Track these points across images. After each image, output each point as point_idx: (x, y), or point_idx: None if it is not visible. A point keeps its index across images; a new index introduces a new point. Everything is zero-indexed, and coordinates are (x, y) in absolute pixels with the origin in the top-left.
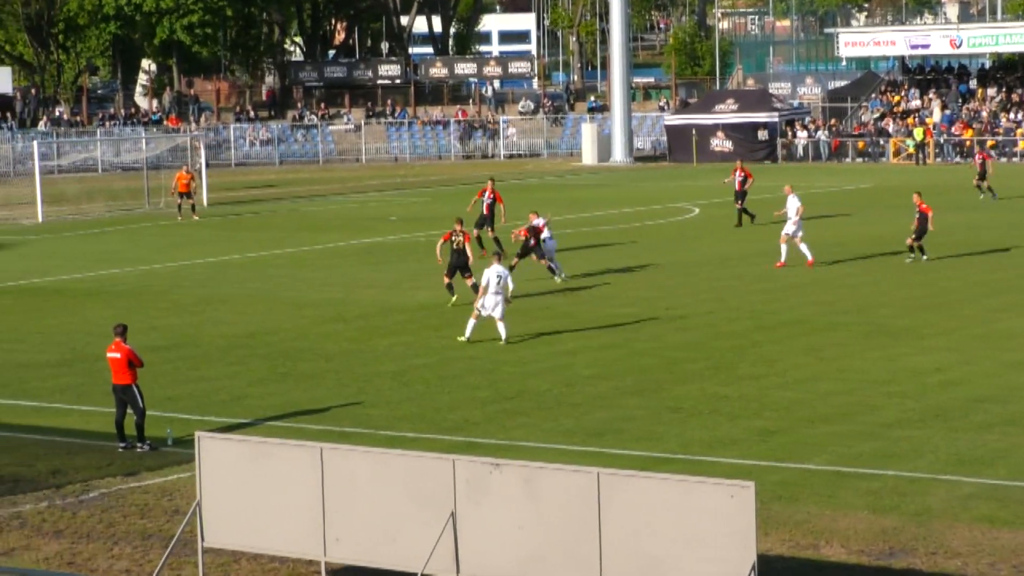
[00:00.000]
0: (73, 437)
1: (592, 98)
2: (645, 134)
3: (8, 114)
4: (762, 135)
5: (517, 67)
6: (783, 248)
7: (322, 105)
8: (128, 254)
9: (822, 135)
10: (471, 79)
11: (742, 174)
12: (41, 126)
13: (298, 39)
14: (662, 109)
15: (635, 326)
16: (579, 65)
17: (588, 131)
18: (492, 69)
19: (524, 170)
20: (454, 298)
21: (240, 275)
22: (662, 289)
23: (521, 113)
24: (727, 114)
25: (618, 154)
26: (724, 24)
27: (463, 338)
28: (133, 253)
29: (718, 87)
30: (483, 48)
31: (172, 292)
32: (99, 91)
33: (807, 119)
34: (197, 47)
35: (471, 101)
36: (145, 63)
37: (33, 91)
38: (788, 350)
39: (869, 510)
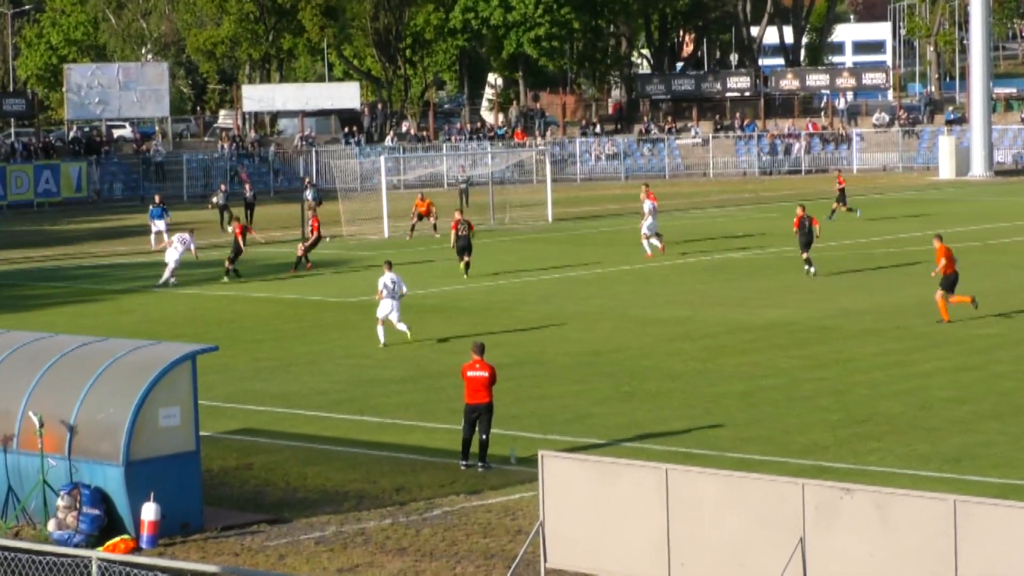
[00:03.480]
0: (417, 454)
1: (950, 110)
2: (1006, 147)
3: (355, 129)
4: None
5: (871, 78)
6: (645, 244)
7: (669, 118)
8: (476, 270)
9: None
10: (823, 91)
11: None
12: (388, 141)
13: (645, 51)
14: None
15: (994, 347)
16: (936, 76)
17: (945, 144)
18: (845, 80)
19: (877, 184)
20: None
21: (585, 291)
22: None
23: (875, 126)
24: None
25: (977, 168)
26: None
27: (381, 344)
28: (477, 269)
29: None
30: (836, 59)
31: (516, 308)
32: (445, 105)
33: None
34: (544, 60)
35: (823, 113)
36: (491, 77)
37: (380, 106)
38: None
39: None
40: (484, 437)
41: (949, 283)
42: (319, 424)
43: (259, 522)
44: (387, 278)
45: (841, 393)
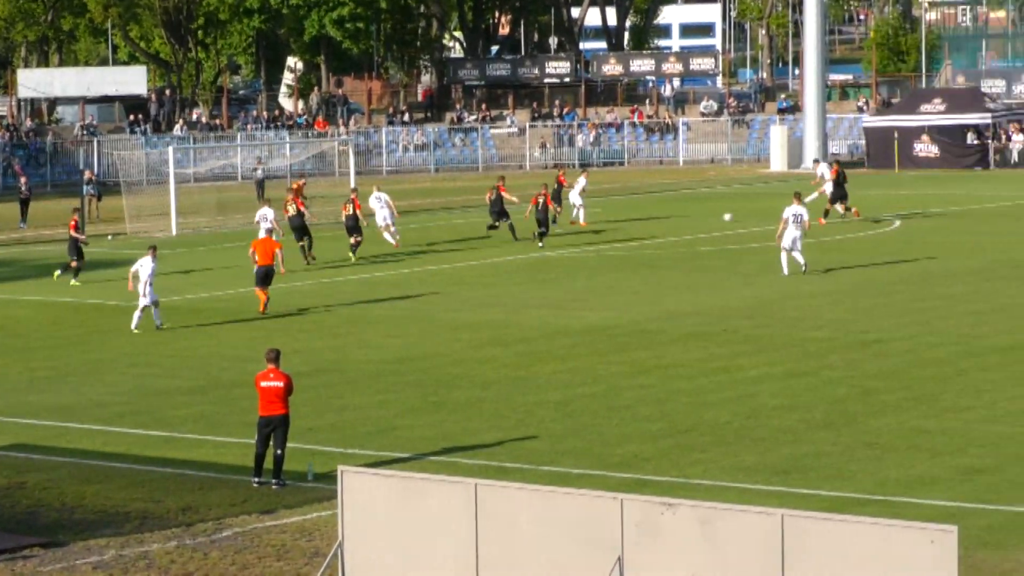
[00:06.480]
0: (206, 471)
1: (782, 97)
2: (841, 137)
3: (141, 117)
4: (972, 138)
5: (699, 63)
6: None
7: (483, 106)
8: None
9: None
10: (648, 77)
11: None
12: (177, 130)
13: (458, 34)
14: (860, 110)
15: (826, 352)
16: (768, 61)
17: (777, 134)
18: (672, 66)
19: (706, 177)
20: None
21: (390, 293)
22: (857, 311)
23: (703, 114)
24: (933, 115)
25: (810, 160)
26: (932, 15)
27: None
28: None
29: (923, 85)
30: (662, 43)
31: (315, 312)
32: (240, 92)
33: None
34: (348, 43)
35: (648, 101)
36: (291, 61)
37: (169, 92)
38: (999, 379)
39: None
40: (279, 452)
41: (261, 277)
42: (99, 439)
43: (32, 545)
44: (139, 263)
45: (663, 401)
